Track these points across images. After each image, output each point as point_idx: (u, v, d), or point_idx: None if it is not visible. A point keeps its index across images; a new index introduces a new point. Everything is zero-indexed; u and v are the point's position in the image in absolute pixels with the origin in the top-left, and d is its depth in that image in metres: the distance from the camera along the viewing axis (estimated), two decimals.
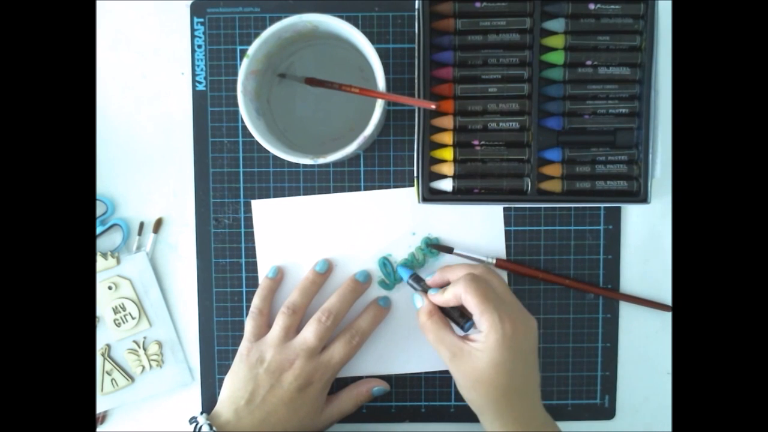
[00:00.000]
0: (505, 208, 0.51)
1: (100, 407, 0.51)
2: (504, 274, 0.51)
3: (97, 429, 0.52)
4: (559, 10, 0.47)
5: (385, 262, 0.51)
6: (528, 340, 0.44)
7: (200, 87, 0.51)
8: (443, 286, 0.46)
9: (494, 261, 0.50)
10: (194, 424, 0.46)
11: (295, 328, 0.49)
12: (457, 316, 0.46)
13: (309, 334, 0.48)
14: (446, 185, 0.48)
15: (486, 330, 0.42)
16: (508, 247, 0.51)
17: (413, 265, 0.51)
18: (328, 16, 0.42)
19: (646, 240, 0.51)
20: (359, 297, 0.51)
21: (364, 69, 0.49)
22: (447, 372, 0.51)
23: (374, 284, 0.51)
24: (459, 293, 0.44)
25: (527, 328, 0.44)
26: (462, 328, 0.45)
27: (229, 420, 0.46)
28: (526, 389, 0.44)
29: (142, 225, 0.51)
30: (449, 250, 0.50)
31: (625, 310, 0.51)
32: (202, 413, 0.47)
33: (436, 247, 0.50)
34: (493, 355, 0.42)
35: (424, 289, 0.47)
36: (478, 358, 0.42)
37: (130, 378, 0.51)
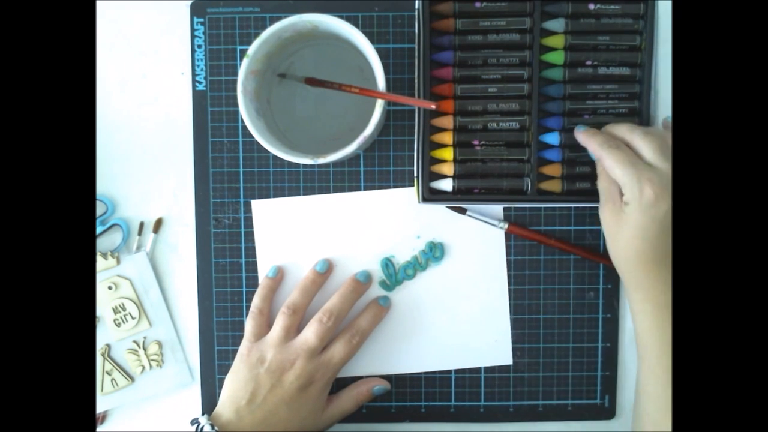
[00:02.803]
0: (505, 208, 0.51)
1: (100, 407, 0.51)
2: (502, 259, 0.51)
3: (97, 429, 0.52)
4: (559, 10, 0.47)
5: (387, 263, 0.51)
6: (659, 209, 0.41)
7: (200, 87, 0.51)
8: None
9: (506, 226, 0.50)
10: (196, 425, 0.46)
11: (295, 328, 0.49)
12: None
13: (310, 334, 0.48)
14: (446, 185, 0.48)
15: (626, 192, 0.42)
16: (508, 247, 0.51)
17: (415, 267, 0.51)
18: (328, 16, 0.42)
19: None
20: (360, 297, 0.51)
21: (364, 69, 0.49)
22: (447, 372, 0.51)
23: (374, 284, 0.51)
24: (600, 162, 0.44)
25: (659, 196, 0.41)
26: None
27: (230, 420, 0.46)
28: (659, 259, 0.42)
29: (142, 225, 0.51)
30: (462, 210, 0.50)
31: (625, 309, 0.51)
32: (203, 414, 0.47)
33: (450, 207, 0.50)
34: (633, 218, 0.42)
35: None
36: (624, 221, 0.43)
37: (130, 378, 0.51)
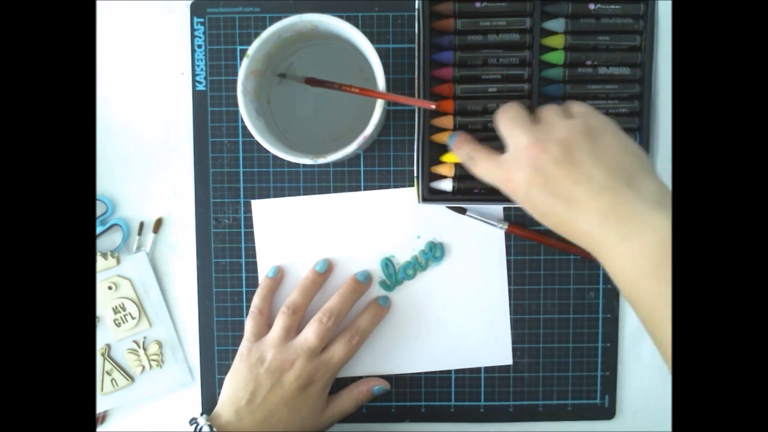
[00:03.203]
0: (505, 208, 0.51)
1: (100, 407, 0.51)
2: (503, 259, 0.51)
3: (97, 429, 0.52)
4: (559, 10, 0.47)
5: (387, 263, 0.51)
6: (557, 157, 0.38)
7: (200, 87, 0.51)
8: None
9: (506, 226, 0.50)
10: (194, 426, 0.46)
11: (295, 328, 0.49)
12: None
13: (310, 334, 0.48)
14: (446, 185, 0.48)
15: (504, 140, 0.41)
16: (508, 247, 0.51)
17: (415, 267, 0.51)
18: (328, 16, 0.42)
19: None
20: (360, 297, 0.51)
21: (364, 69, 0.49)
22: (447, 372, 0.51)
23: (374, 284, 0.51)
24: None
25: (559, 144, 0.39)
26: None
27: (229, 420, 0.46)
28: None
29: (142, 225, 0.51)
30: (462, 211, 0.50)
31: (625, 310, 0.51)
32: (202, 414, 0.47)
33: (450, 207, 0.50)
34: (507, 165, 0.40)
35: None
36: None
37: (130, 378, 0.51)
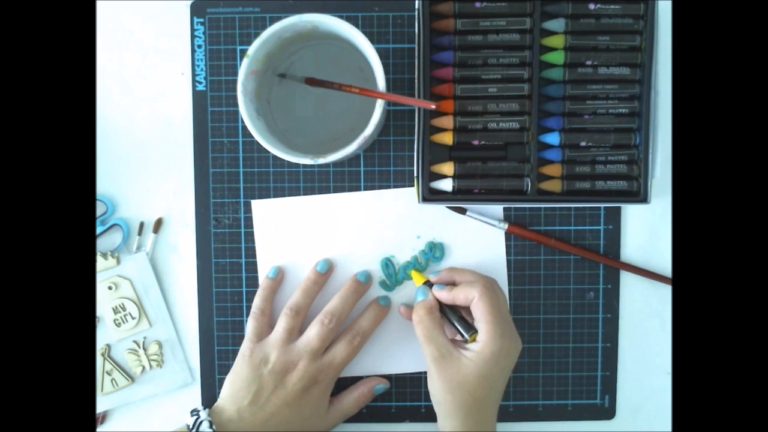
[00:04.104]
0: (505, 208, 0.51)
1: (100, 407, 0.51)
2: (502, 259, 0.51)
3: (97, 429, 0.52)
4: (559, 10, 0.47)
5: (387, 263, 0.51)
6: (512, 360, 0.45)
7: (200, 87, 0.51)
8: (448, 285, 0.47)
9: (506, 226, 0.50)
10: (195, 417, 0.46)
11: (298, 329, 0.49)
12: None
13: (312, 336, 0.48)
14: (446, 185, 0.48)
15: (485, 341, 0.43)
16: (508, 247, 0.51)
17: (415, 267, 0.51)
18: (328, 16, 0.42)
19: (646, 240, 0.51)
20: (361, 297, 0.51)
21: (364, 69, 0.49)
22: None
23: (374, 284, 0.51)
24: (472, 296, 0.44)
25: (516, 349, 0.45)
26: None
27: (231, 419, 0.46)
28: (495, 403, 0.45)
29: (142, 225, 0.51)
30: (462, 211, 0.50)
31: (625, 310, 0.51)
32: (204, 408, 0.47)
33: (450, 207, 0.50)
34: (483, 367, 0.43)
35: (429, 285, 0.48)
36: (465, 365, 0.43)
37: (130, 378, 0.51)
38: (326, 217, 0.51)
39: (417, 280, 0.49)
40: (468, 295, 0.45)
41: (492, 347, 0.43)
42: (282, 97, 0.50)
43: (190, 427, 0.45)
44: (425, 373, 0.51)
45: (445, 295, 0.46)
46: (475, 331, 0.45)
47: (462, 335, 0.45)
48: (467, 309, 0.46)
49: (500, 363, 0.43)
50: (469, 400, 0.43)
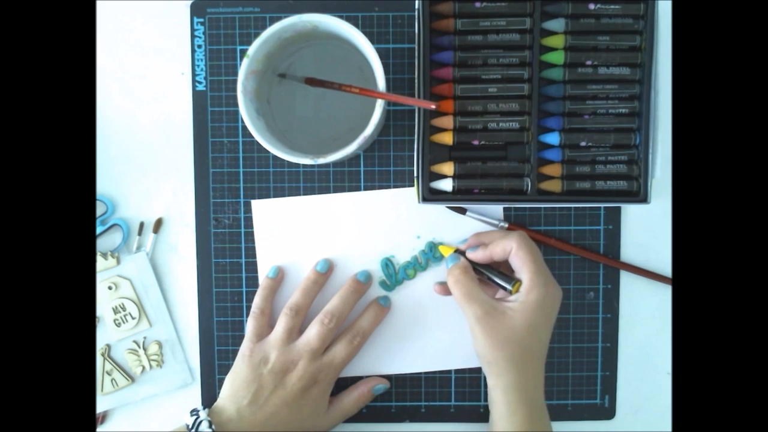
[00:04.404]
0: (505, 208, 0.51)
1: (100, 407, 0.51)
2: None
3: (97, 429, 0.52)
4: (559, 10, 0.47)
5: (387, 263, 0.51)
6: (556, 309, 0.45)
7: (200, 87, 0.51)
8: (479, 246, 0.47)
9: (506, 226, 0.50)
10: (194, 417, 0.46)
11: (298, 329, 0.49)
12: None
13: (312, 335, 0.48)
14: (446, 185, 0.48)
15: (529, 288, 0.43)
16: None
17: (415, 268, 0.51)
18: (328, 16, 0.42)
19: (646, 240, 0.51)
20: (360, 297, 0.51)
21: (364, 69, 0.49)
22: (447, 372, 0.51)
23: (374, 284, 0.51)
24: (509, 248, 0.44)
25: (558, 296, 0.45)
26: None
27: (230, 418, 0.46)
28: (543, 356, 0.44)
29: (142, 225, 0.51)
30: (462, 211, 0.50)
31: (625, 310, 0.51)
32: (204, 408, 0.47)
33: (450, 207, 0.50)
34: (530, 315, 0.43)
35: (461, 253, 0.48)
36: (511, 317, 0.43)
37: (130, 378, 0.51)
38: (326, 217, 0.51)
39: (445, 251, 0.49)
40: (506, 247, 0.44)
41: (537, 294, 0.43)
42: (282, 97, 0.50)
43: (190, 426, 0.45)
44: (425, 373, 0.51)
45: (480, 254, 0.46)
46: (518, 281, 0.44)
47: (504, 288, 0.45)
48: (503, 266, 0.46)
49: (545, 310, 0.43)
50: (518, 353, 0.43)
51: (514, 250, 0.44)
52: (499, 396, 0.43)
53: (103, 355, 0.51)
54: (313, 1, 0.50)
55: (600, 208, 0.51)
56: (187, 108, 0.51)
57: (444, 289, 0.48)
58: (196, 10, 0.51)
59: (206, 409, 0.47)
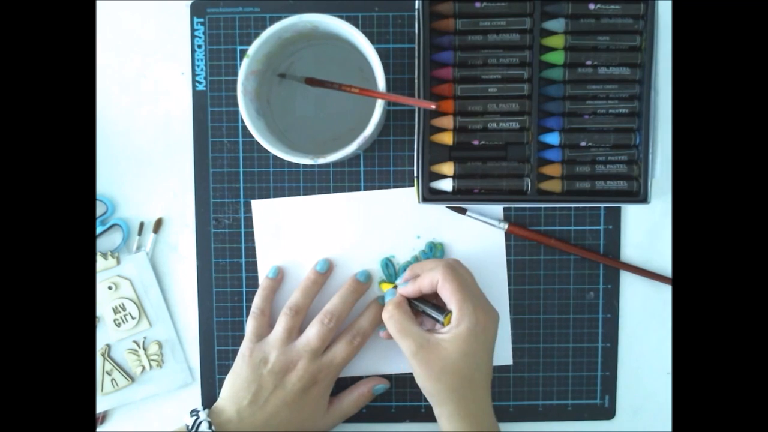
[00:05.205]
0: (505, 208, 0.51)
1: (100, 407, 0.51)
2: (503, 259, 0.51)
3: (97, 429, 0.52)
4: (559, 10, 0.47)
5: (387, 263, 0.51)
6: (492, 333, 0.44)
7: (200, 87, 0.51)
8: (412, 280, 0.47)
9: (506, 226, 0.50)
10: (194, 418, 0.46)
11: (297, 328, 0.49)
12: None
13: (312, 335, 0.48)
14: (446, 185, 0.48)
15: (458, 319, 0.43)
16: (508, 246, 0.51)
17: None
18: (328, 16, 0.42)
19: (646, 240, 0.51)
20: (360, 297, 0.51)
21: (364, 69, 0.49)
22: None
23: (374, 284, 0.51)
24: (436, 280, 0.44)
25: (493, 320, 0.44)
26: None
27: (230, 419, 0.46)
28: (485, 381, 0.44)
29: (142, 225, 0.51)
30: (462, 211, 0.50)
31: (625, 310, 0.51)
32: (204, 409, 0.47)
33: (450, 207, 0.50)
34: (462, 344, 0.42)
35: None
36: (445, 348, 0.43)
37: (130, 378, 0.51)
38: (326, 217, 0.51)
39: (385, 287, 0.50)
40: (432, 280, 0.44)
41: (467, 323, 0.43)
42: (282, 97, 0.50)
43: (190, 427, 0.45)
44: None
45: (410, 288, 0.46)
46: (449, 312, 0.44)
47: (436, 320, 0.45)
48: (439, 299, 0.46)
49: (479, 337, 0.43)
50: (457, 382, 0.43)
51: (440, 282, 0.44)
52: (444, 424, 0.44)
53: (103, 355, 0.51)
54: (313, 1, 0.50)
55: (600, 208, 0.51)
56: (187, 108, 0.51)
57: (387, 333, 0.47)
58: (196, 10, 0.51)
59: (206, 410, 0.47)
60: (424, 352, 0.43)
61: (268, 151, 0.44)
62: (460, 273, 0.45)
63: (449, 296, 0.44)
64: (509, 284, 0.51)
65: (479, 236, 0.51)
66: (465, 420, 0.43)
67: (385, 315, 0.46)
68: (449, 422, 0.43)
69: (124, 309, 0.51)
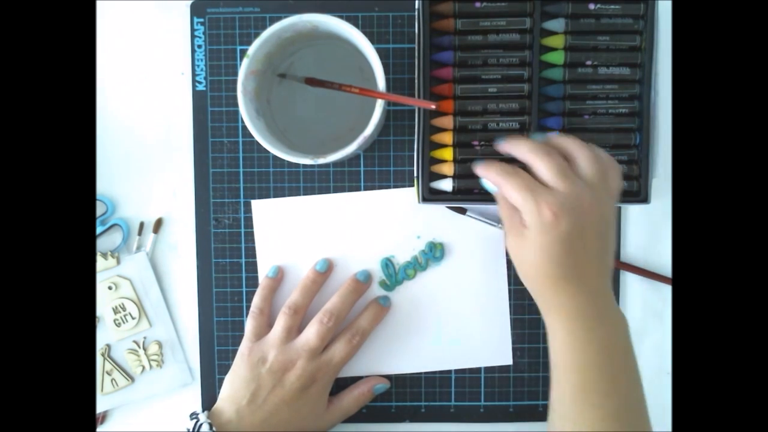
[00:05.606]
0: None
1: (100, 407, 0.51)
2: (502, 259, 0.51)
3: (97, 429, 0.52)
4: (559, 10, 0.47)
5: (387, 263, 0.51)
6: (575, 228, 0.40)
7: (200, 87, 0.51)
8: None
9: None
10: (195, 421, 0.46)
11: (296, 328, 0.49)
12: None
13: (311, 334, 0.48)
14: (446, 185, 0.48)
15: (526, 216, 0.41)
16: None
17: (415, 268, 0.51)
18: (328, 16, 0.42)
19: (646, 240, 0.51)
20: (360, 297, 0.51)
21: (364, 69, 0.49)
22: (447, 372, 0.51)
23: (374, 284, 0.51)
24: (499, 185, 0.42)
25: (578, 215, 0.40)
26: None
27: (230, 419, 0.46)
28: (577, 276, 0.41)
29: (142, 225, 0.51)
30: (462, 211, 0.50)
31: (625, 309, 0.51)
32: (203, 411, 0.47)
33: (450, 207, 0.50)
34: (536, 239, 0.40)
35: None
36: (526, 239, 0.41)
37: (130, 378, 0.51)
38: (326, 217, 0.51)
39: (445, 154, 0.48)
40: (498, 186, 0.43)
41: (530, 217, 0.41)
42: (282, 97, 0.50)
43: (191, 430, 0.45)
44: (425, 373, 0.51)
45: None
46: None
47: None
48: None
49: (548, 231, 0.40)
50: (538, 276, 0.42)
51: (502, 190, 0.42)
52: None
53: (103, 355, 0.51)
54: (313, 1, 0.50)
55: None
56: (187, 108, 0.51)
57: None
58: (196, 10, 0.51)
59: (205, 412, 0.47)
60: (512, 239, 0.43)
61: (268, 151, 0.44)
62: (521, 173, 0.42)
63: (513, 201, 0.42)
64: (509, 284, 0.51)
65: (479, 236, 0.51)
66: (549, 313, 0.42)
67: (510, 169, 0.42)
68: (545, 317, 0.43)
69: (124, 309, 0.51)
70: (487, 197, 0.49)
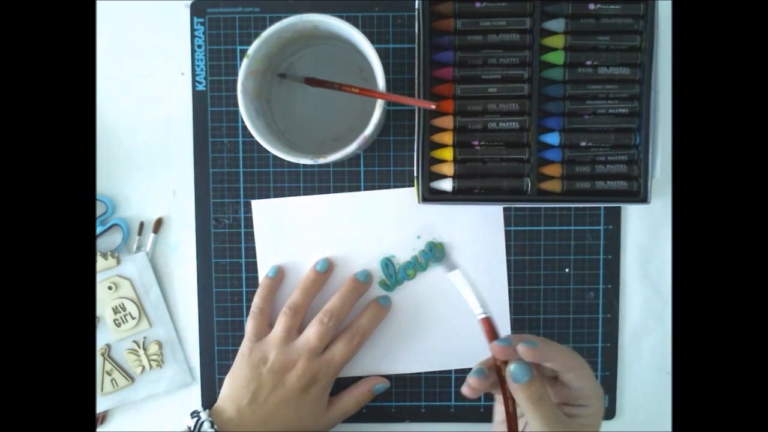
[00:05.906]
0: (505, 208, 0.51)
1: (100, 407, 0.51)
2: (502, 258, 0.51)
3: (97, 429, 0.52)
4: (559, 10, 0.47)
5: (387, 263, 0.51)
6: None
7: (200, 87, 0.51)
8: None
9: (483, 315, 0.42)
10: (196, 419, 0.46)
11: (297, 328, 0.49)
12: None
13: (311, 334, 0.48)
14: (446, 185, 0.48)
15: (592, 399, 0.40)
16: (508, 246, 0.51)
17: (415, 267, 0.51)
18: (328, 16, 0.42)
19: (646, 240, 0.51)
20: (360, 297, 0.51)
21: (364, 69, 0.49)
22: (447, 372, 0.51)
23: (374, 284, 0.51)
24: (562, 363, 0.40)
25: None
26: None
27: (231, 418, 0.46)
28: None
29: (142, 225, 0.52)
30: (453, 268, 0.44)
31: (625, 309, 0.51)
32: (204, 409, 0.47)
33: (442, 263, 0.49)
34: (597, 421, 0.41)
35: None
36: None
37: (130, 378, 0.51)
38: (326, 217, 0.51)
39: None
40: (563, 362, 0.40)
41: (598, 405, 0.41)
42: (282, 97, 0.50)
43: (192, 428, 0.45)
44: (425, 373, 0.51)
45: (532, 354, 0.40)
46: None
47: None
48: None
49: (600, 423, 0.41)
50: None
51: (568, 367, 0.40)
52: None
53: (103, 355, 0.51)
54: (313, 1, 0.50)
55: (600, 208, 0.51)
56: (187, 108, 0.51)
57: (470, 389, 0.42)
58: (196, 10, 0.51)
59: (206, 410, 0.47)
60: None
61: (268, 151, 0.44)
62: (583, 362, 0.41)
63: (580, 380, 0.40)
64: (509, 284, 0.51)
65: (479, 237, 0.51)
66: None
67: (535, 394, 0.39)
68: None
69: (124, 309, 0.51)
70: (487, 197, 0.49)
